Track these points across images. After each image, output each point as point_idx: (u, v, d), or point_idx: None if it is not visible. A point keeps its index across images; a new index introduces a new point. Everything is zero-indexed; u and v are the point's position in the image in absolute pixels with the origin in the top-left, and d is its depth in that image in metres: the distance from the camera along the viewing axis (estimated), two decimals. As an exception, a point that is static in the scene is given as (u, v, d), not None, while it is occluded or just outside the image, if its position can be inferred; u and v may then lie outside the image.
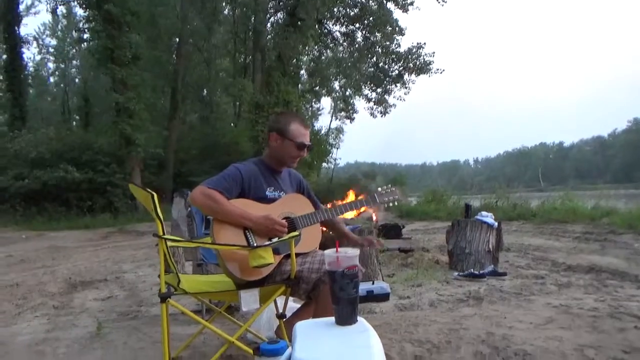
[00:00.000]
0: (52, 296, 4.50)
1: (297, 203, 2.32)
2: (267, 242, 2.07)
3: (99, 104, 27.14)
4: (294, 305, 2.48)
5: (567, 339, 2.40)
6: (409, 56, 22.02)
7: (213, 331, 2.05)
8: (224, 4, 24.93)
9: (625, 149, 76.44)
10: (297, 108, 19.70)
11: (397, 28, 21.65)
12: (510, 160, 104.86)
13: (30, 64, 31.65)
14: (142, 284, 4.89)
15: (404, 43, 23.49)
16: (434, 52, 21.86)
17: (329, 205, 2.48)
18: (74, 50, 33.80)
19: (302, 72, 26.21)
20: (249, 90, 20.51)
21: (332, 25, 22.76)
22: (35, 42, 33.03)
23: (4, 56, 22.06)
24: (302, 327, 1.33)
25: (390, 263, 5.38)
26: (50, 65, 37.63)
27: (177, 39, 23.78)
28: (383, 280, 4.15)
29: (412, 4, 20.91)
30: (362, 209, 2.52)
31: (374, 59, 22.94)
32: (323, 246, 2.13)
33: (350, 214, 6.25)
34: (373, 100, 24.37)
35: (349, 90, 26.01)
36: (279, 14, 22.20)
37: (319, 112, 30.94)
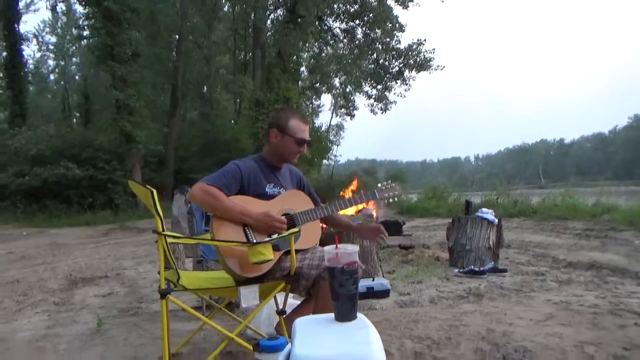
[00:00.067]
0: (52, 293, 4.50)
1: (297, 199, 2.31)
2: (267, 239, 2.07)
3: (99, 101, 27.15)
4: (293, 301, 2.48)
5: (568, 336, 2.40)
6: (410, 53, 21.96)
7: (213, 327, 2.05)
8: (223, 0, 24.88)
9: (626, 145, 76.35)
10: (297, 105, 19.69)
11: (397, 24, 21.57)
12: (511, 157, 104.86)
13: (30, 61, 31.73)
14: (142, 281, 4.89)
15: (404, 40, 23.59)
16: (434, 49, 21.84)
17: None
18: (74, 48, 33.80)
19: (303, 69, 26.23)
20: (249, 87, 20.48)
21: (332, 21, 22.72)
22: (35, 40, 32.99)
23: (4, 54, 22.06)
24: (302, 324, 1.32)
25: (391, 260, 5.38)
26: (50, 62, 37.68)
27: (177, 36, 23.75)
28: (383, 276, 4.15)
29: (412, 0, 20.87)
30: (362, 205, 2.51)
31: (374, 55, 22.89)
32: (323, 242, 2.12)
33: (350, 210, 6.25)
34: (373, 97, 24.35)
35: (349, 87, 25.99)
36: (278, 11, 22.19)
37: (320, 109, 30.96)
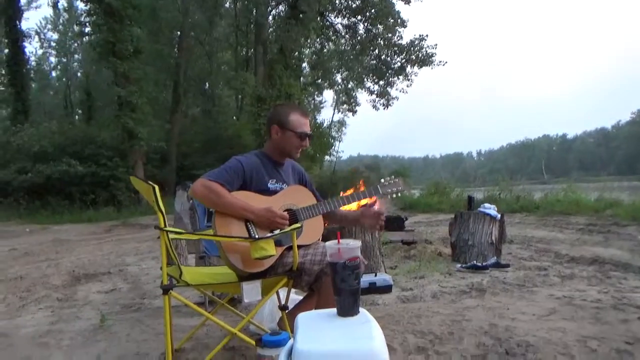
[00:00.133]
0: (55, 289, 4.52)
1: (299, 195, 2.31)
2: (269, 234, 2.06)
3: (101, 98, 27.19)
4: (296, 297, 2.48)
5: (570, 330, 2.40)
6: (411, 48, 21.88)
7: (216, 323, 2.05)
8: (225, -4, 24.84)
9: (629, 140, 76.11)
10: (299, 101, 19.67)
11: (399, 20, 21.49)
12: (514, 153, 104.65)
13: (32, 58, 31.61)
14: (145, 277, 4.91)
15: (406, 35, 23.41)
16: (436, 44, 21.75)
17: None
18: (76, 44, 33.85)
19: (304, 64, 26.20)
20: (251, 83, 20.46)
21: (334, 17, 22.64)
22: (36, 36, 33.07)
23: (6, 50, 22.03)
24: (304, 319, 1.32)
25: (393, 255, 5.38)
26: (52, 59, 37.69)
27: (179, 32, 23.72)
28: (386, 272, 4.15)
29: (413, -5, 20.77)
30: (365, 200, 2.49)
31: (376, 51, 22.80)
32: (325, 238, 2.12)
33: (352, 206, 6.25)
34: (375, 92, 24.28)
35: (351, 82, 25.93)
36: (280, 7, 22.13)
37: (322, 105, 30.98)
